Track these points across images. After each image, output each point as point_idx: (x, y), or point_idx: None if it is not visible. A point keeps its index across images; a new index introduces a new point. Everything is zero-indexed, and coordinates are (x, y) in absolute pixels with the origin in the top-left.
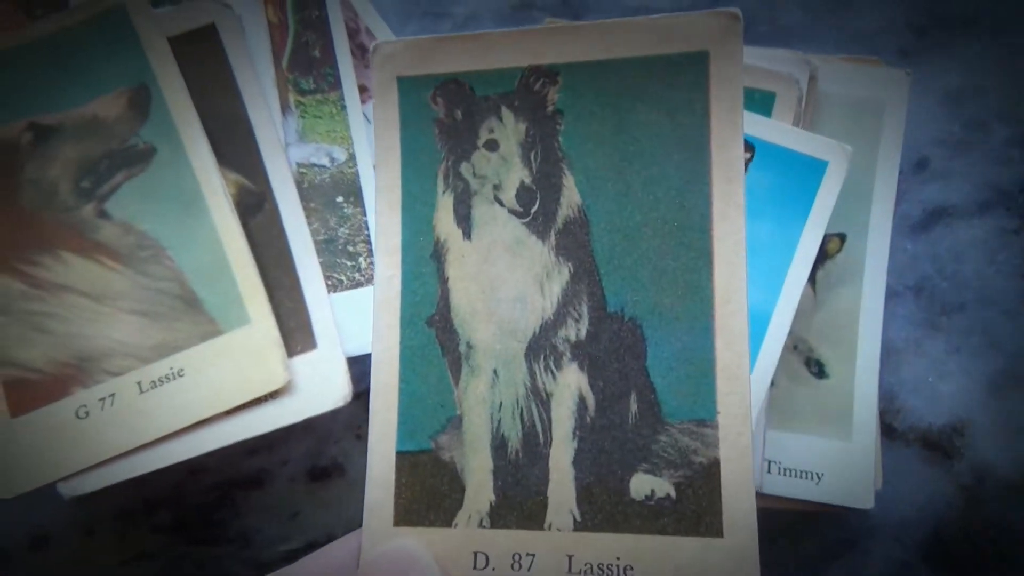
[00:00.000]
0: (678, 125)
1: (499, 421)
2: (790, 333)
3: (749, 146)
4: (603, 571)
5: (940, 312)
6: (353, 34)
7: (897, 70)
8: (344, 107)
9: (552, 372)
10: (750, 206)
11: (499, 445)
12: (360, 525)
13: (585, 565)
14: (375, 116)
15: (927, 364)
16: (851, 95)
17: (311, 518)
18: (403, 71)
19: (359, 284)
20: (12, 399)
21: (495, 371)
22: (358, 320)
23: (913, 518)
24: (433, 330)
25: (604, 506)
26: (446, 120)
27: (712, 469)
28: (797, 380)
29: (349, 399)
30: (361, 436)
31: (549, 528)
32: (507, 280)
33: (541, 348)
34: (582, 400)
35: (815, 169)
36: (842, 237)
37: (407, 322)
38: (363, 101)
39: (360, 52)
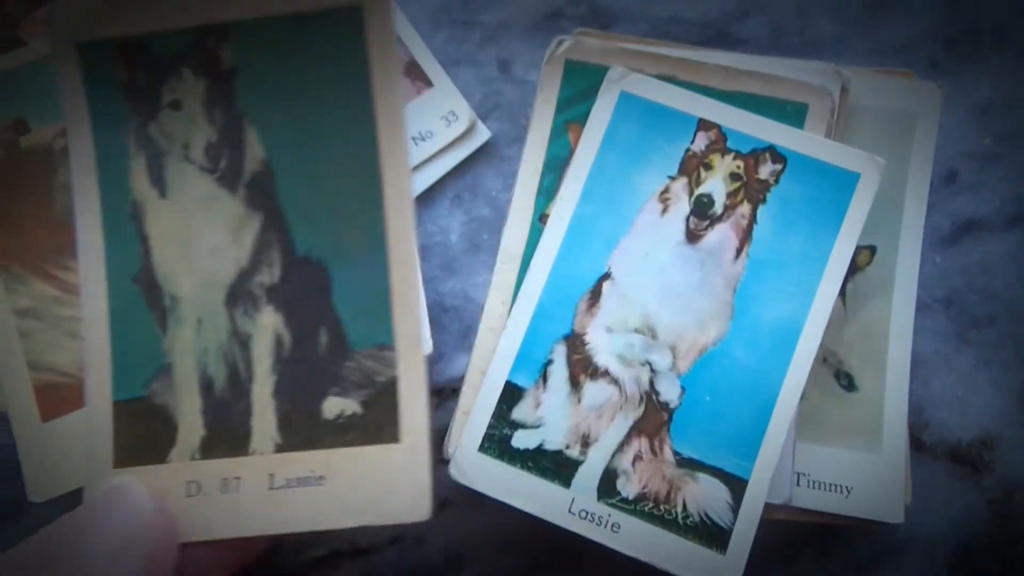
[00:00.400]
0: (342, 75)
1: (205, 364)
2: (820, 346)
3: (780, 157)
4: (300, 483)
5: (970, 326)
6: None
7: (929, 83)
8: None
9: (250, 315)
10: (782, 218)
11: (207, 386)
12: None
13: (284, 480)
14: (59, 82)
15: (956, 378)
16: (883, 107)
17: None
18: (81, 36)
19: None
20: (43, 404)
21: (199, 319)
22: None
23: (942, 532)
24: (138, 287)
25: (301, 429)
26: (129, 82)
27: (391, 386)
28: (827, 393)
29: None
30: None
31: (254, 453)
32: (203, 234)
33: (239, 295)
34: (278, 338)
35: (847, 181)
36: (872, 249)
37: (113, 281)
38: None
39: None
